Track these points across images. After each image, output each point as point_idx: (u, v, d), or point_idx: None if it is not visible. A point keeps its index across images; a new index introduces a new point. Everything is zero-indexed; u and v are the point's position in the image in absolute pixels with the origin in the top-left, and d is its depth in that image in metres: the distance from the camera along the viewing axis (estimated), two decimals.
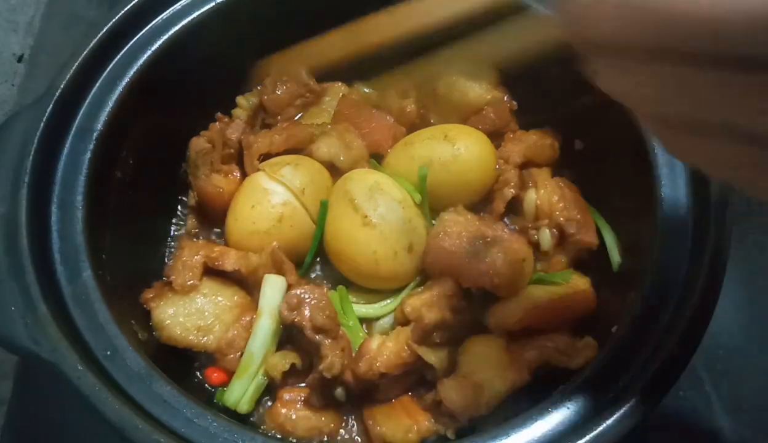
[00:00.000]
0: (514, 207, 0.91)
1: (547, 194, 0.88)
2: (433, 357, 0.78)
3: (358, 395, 0.79)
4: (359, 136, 0.94)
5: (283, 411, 0.78)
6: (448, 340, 0.79)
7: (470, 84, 0.96)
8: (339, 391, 0.78)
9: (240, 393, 0.78)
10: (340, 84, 1.03)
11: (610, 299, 0.80)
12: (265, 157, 0.92)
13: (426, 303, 0.78)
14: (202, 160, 0.90)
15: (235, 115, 0.96)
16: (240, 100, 0.98)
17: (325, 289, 0.82)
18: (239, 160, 0.93)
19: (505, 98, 0.97)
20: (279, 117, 0.99)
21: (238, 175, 0.92)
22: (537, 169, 0.91)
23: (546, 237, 0.87)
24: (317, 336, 0.76)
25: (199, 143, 0.90)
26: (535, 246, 0.88)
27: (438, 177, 0.88)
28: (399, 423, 0.77)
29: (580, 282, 0.85)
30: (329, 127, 0.94)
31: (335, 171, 0.93)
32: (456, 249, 0.82)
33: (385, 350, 0.77)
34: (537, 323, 0.79)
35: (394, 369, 0.76)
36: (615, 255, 0.85)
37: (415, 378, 0.81)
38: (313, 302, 0.78)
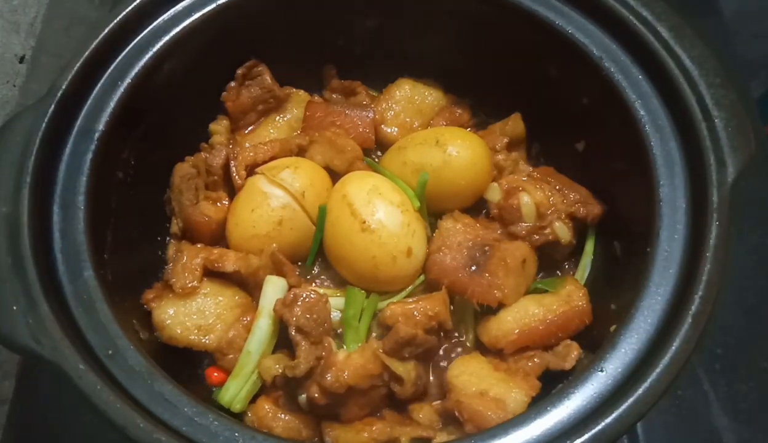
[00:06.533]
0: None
1: (539, 190, 0.86)
2: (401, 367, 0.76)
3: (322, 412, 0.77)
4: (348, 138, 0.94)
5: (266, 406, 0.78)
6: (417, 357, 0.78)
7: None
8: (302, 399, 0.77)
9: (235, 392, 0.79)
10: (302, 92, 1.02)
11: (607, 298, 0.80)
12: (252, 167, 0.91)
13: (406, 314, 0.77)
14: (186, 186, 0.89)
15: (214, 141, 0.96)
16: (213, 126, 0.97)
17: (322, 291, 0.81)
18: (225, 186, 0.92)
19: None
20: (240, 123, 0.98)
21: (227, 202, 0.91)
22: (513, 174, 0.91)
23: (563, 230, 0.85)
24: (297, 336, 0.76)
25: (183, 168, 0.90)
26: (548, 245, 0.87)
27: (430, 183, 0.87)
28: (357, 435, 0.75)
29: (576, 295, 0.82)
30: (317, 135, 0.94)
31: (334, 172, 0.93)
32: (458, 264, 0.82)
33: (351, 362, 0.75)
34: (533, 343, 0.79)
35: (361, 381, 0.74)
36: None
37: (381, 396, 0.78)
38: (306, 303, 0.77)
